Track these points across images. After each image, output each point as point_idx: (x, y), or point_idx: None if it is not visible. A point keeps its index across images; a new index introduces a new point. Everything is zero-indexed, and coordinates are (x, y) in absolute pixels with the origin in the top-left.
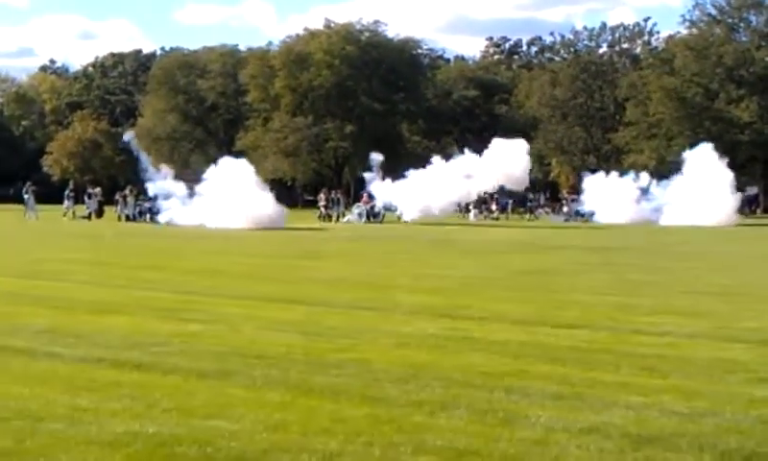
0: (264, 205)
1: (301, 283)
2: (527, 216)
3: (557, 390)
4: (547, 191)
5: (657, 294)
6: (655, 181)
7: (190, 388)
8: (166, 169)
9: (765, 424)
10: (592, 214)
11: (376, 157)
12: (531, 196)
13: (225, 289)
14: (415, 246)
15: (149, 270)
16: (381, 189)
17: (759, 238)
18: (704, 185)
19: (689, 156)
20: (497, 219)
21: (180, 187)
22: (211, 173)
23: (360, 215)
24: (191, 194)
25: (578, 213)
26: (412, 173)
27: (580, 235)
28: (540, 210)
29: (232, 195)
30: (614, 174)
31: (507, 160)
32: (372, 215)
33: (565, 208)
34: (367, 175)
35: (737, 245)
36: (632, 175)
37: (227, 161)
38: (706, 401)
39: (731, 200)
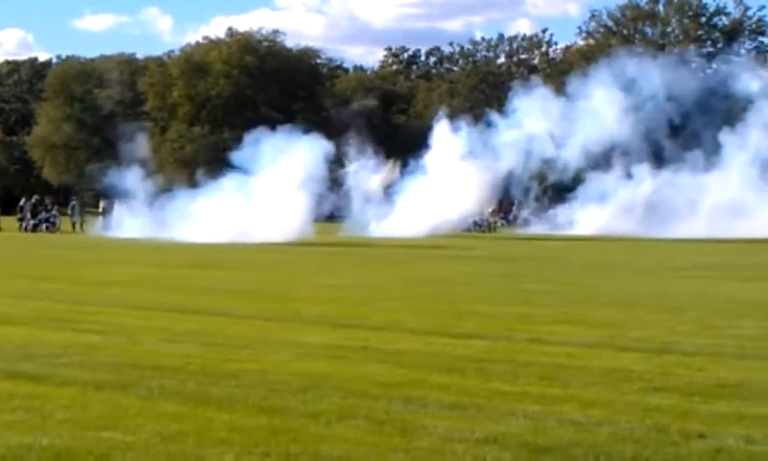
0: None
1: (199, 293)
2: None
3: (455, 400)
4: None
5: (554, 304)
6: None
7: (86, 400)
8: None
9: (660, 433)
10: (494, 225)
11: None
12: None
13: (122, 299)
14: (316, 256)
15: (45, 280)
16: None
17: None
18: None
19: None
20: None
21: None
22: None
23: None
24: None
25: (476, 224)
26: None
27: (480, 245)
28: None
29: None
30: None
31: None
32: None
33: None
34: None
35: (617, 256)
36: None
37: None
38: (602, 410)
39: None
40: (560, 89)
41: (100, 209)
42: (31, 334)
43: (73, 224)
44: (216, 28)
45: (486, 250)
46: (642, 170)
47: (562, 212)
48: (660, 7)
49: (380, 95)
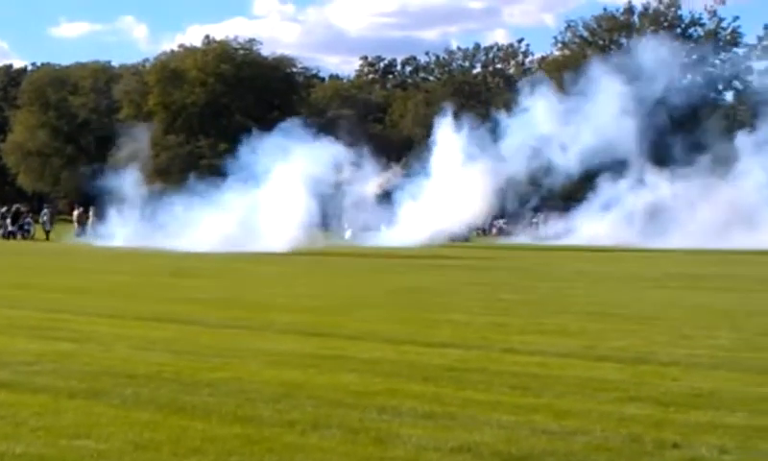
0: None
1: (174, 302)
2: None
3: (429, 409)
4: None
5: (528, 313)
6: None
7: (59, 407)
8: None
9: (634, 442)
10: (466, 237)
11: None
12: None
13: (95, 307)
14: (291, 266)
15: (17, 288)
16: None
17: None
18: None
19: None
20: None
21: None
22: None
23: None
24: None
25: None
26: None
27: (453, 254)
28: None
29: None
30: None
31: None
32: None
33: None
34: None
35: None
36: None
37: None
38: (576, 420)
39: None
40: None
41: (74, 217)
42: (4, 342)
43: (46, 232)
44: (192, 36)
45: (467, 259)
46: (646, 176)
47: (554, 221)
48: (636, 18)
49: (356, 104)
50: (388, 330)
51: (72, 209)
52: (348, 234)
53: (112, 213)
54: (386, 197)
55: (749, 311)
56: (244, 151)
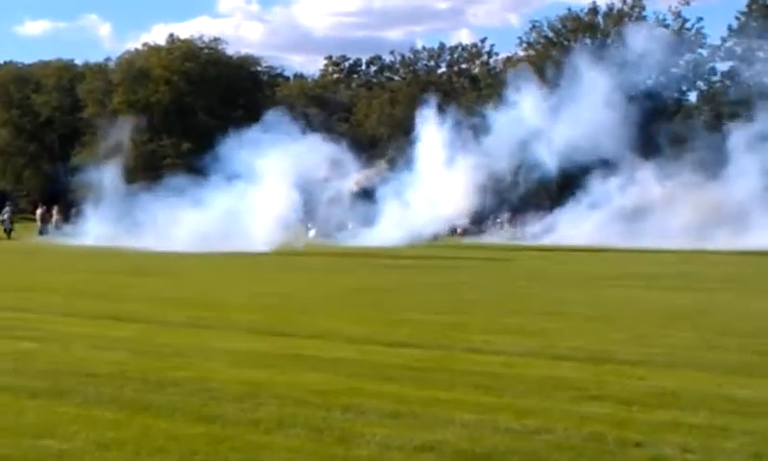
0: None
1: (135, 301)
2: None
3: (392, 408)
4: None
5: (489, 313)
6: None
7: (20, 407)
8: None
9: (597, 441)
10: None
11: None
12: None
13: (57, 306)
14: (251, 264)
15: None
16: None
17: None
18: None
19: None
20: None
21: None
22: None
23: None
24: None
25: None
26: None
27: (411, 254)
28: None
29: None
30: None
31: None
32: None
33: None
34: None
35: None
36: None
37: None
38: (538, 419)
39: None
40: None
41: (38, 215)
42: None
43: (6, 230)
44: (156, 35)
45: (436, 259)
46: (632, 173)
47: (532, 221)
48: (600, 18)
49: (321, 103)
50: (350, 330)
51: (35, 208)
52: (311, 234)
53: (86, 210)
54: (365, 195)
55: (705, 310)
56: (226, 146)
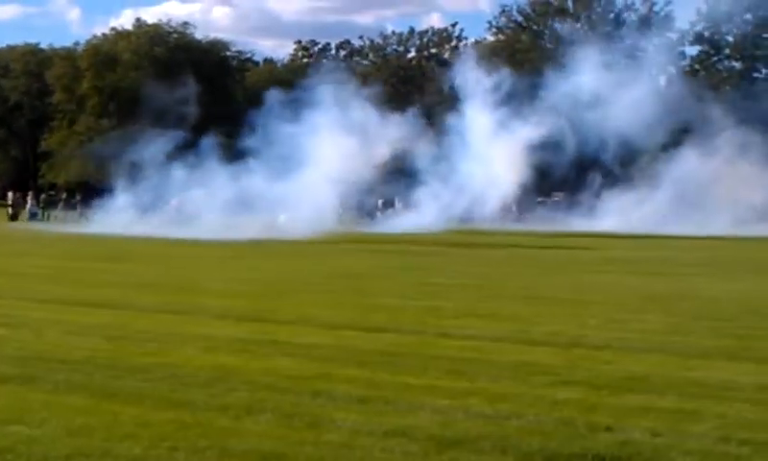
0: None
1: (106, 287)
2: None
3: (363, 393)
4: None
5: (463, 298)
6: None
7: None
8: None
9: (567, 426)
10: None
11: None
12: None
13: (27, 292)
14: (225, 249)
15: None
16: None
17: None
18: None
19: None
20: None
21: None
22: None
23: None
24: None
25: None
26: None
27: (387, 240)
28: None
29: None
30: None
31: None
32: None
33: None
34: None
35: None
36: None
37: None
38: (510, 404)
39: None
40: None
41: (9, 201)
42: None
43: None
44: (125, 20)
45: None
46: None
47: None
48: (570, 2)
49: (291, 88)
50: (321, 315)
51: (5, 194)
52: (281, 219)
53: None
54: (403, 173)
55: (681, 295)
56: (264, 126)
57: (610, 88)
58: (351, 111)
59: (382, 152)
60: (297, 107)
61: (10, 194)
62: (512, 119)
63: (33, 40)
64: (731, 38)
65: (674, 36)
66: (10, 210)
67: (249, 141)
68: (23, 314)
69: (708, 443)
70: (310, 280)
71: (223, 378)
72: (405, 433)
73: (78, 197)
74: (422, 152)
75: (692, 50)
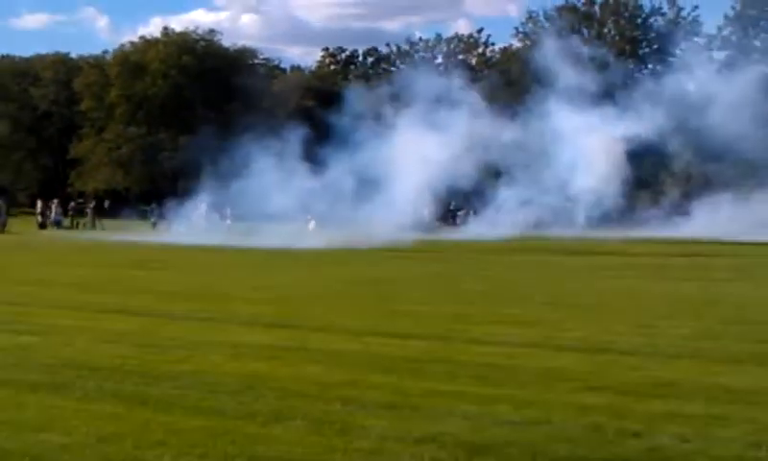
0: None
1: (136, 294)
2: None
3: (392, 400)
4: None
5: (491, 304)
6: None
7: (21, 401)
8: None
9: (595, 432)
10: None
11: None
12: None
13: (58, 300)
14: (252, 256)
15: None
16: None
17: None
18: None
19: None
20: None
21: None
22: None
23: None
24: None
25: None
26: None
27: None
28: None
29: None
30: None
31: None
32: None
33: None
34: None
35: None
36: None
37: None
38: (537, 410)
39: None
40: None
41: (38, 209)
42: None
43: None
44: (154, 28)
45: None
46: None
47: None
48: (597, 8)
49: (318, 95)
50: (349, 322)
51: (34, 202)
52: (311, 226)
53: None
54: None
55: (710, 300)
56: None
57: (715, 88)
58: (445, 111)
59: (472, 153)
60: (378, 106)
61: (39, 202)
62: (608, 118)
63: (62, 49)
64: (758, 43)
65: (702, 40)
66: (39, 218)
67: (327, 144)
68: (52, 322)
69: (738, 448)
70: (333, 287)
71: (251, 386)
72: (434, 440)
73: (106, 204)
74: (512, 153)
75: (719, 54)
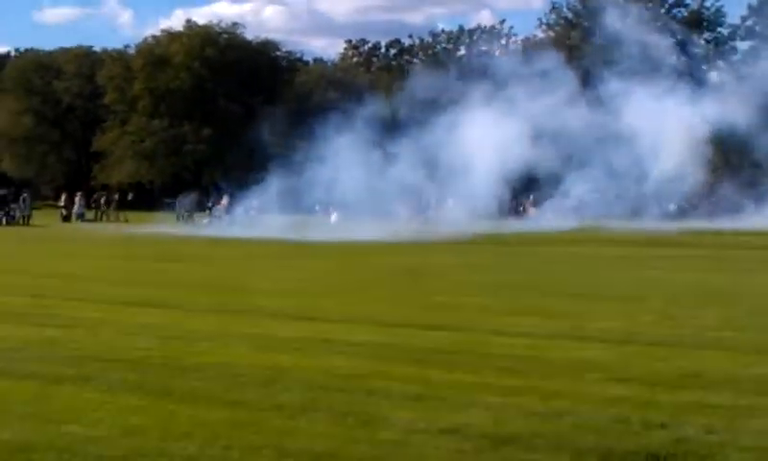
0: None
1: (161, 286)
2: None
3: (417, 391)
4: None
5: (517, 295)
6: None
7: (47, 393)
8: None
9: (621, 423)
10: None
11: None
12: None
13: (82, 293)
14: (276, 248)
15: (4, 274)
16: None
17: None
18: None
19: None
20: None
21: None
22: None
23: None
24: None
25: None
26: None
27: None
28: None
29: None
30: None
31: None
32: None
33: None
34: None
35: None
36: None
37: None
38: (563, 401)
39: None
40: None
41: (62, 202)
42: None
43: (23, 217)
44: (176, 20)
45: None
46: None
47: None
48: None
49: (341, 87)
50: (375, 313)
51: (59, 195)
52: (333, 218)
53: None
54: None
55: (737, 291)
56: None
57: None
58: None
59: (542, 139)
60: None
61: (63, 195)
62: (689, 99)
63: (85, 43)
64: None
65: (725, 31)
66: (63, 211)
67: (390, 133)
68: (77, 315)
69: (765, 440)
70: (359, 278)
71: (276, 378)
72: (459, 431)
73: (130, 196)
74: (583, 139)
75: (743, 45)
